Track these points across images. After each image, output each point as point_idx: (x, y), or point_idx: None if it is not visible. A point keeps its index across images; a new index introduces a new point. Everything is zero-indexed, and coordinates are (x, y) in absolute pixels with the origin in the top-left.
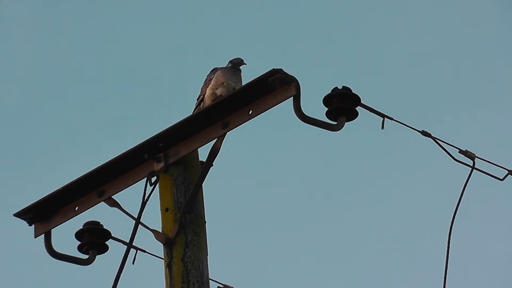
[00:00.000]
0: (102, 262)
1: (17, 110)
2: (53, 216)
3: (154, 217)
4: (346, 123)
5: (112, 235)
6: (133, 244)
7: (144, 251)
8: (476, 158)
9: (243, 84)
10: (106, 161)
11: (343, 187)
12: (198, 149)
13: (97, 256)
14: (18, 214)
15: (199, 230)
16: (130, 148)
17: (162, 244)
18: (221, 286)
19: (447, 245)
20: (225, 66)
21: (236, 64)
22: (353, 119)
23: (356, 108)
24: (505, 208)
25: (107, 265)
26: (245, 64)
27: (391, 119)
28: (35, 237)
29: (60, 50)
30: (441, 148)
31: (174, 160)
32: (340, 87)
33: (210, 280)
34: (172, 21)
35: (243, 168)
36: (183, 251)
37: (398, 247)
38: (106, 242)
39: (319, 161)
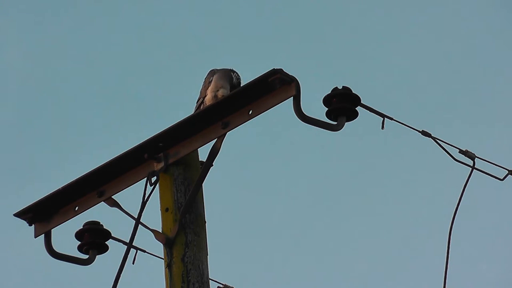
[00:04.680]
0: (102, 262)
1: (17, 109)
2: (53, 216)
3: (154, 217)
4: (346, 123)
5: (112, 235)
6: (133, 244)
7: (144, 251)
8: (476, 158)
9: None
10: (106, 161)
11: (343, 187)
12: (198, 149)
13: (97, 256)
14: (18, 214)
15: (199, 230)
16: (130, 148)
17: (162, 244)
18: (221, 286)
19: (447, 245)
20: (223, 68)
21: (235, 84)
22: (353, 119)
23: (356, 108)
24: (505, 208)
25: (107, 265)
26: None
27: (391, 119)
28: (35, 237)
29: (60, 41)
30: (441, 148)
31: (174, 160)
32: (340, 87)
33: (210, 280)
34: (171, 20)
35: (243, 168)
36: (183, 251)
37: (398, 247)
38: (106, 242)
39: (319, 161)
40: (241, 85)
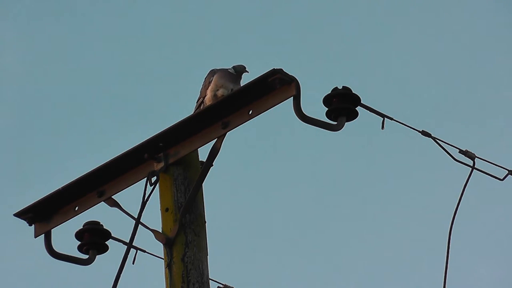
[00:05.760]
0: (102, 262)
1: (17, 110)
2: (53, 216)
3: (154, 217)
4: (346, 123)
5: (112, 235)
6: (133, 244)
7: (144, 251)
8: (476, 158)
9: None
10: (106, 161)
11: (343, 187)
12: (198, 149)
13: (97, 256)
14: (18, 214)
15: (199, 230)
16: (130, 148)
17: (162, 244)
18: (221, 286)
19: (447, 245)
20: (223, 68)
21: (238, 72)
22: (353, 119)
23: (356, 108)
24: (505, 208)
25: (107, 265)
26: (247, 72)
27: (391, 119)
28: (35, 237)
29: (59, 42)
30: (441, 148)
31: (174, 160)
32: (340, 87)
33: (210, 280)
34: (171, 20)
35: (243, 168)
36: (183, 251)
37: (398, 247)
38: (106, 242)
39: (319, 161)
40: (245, 72)
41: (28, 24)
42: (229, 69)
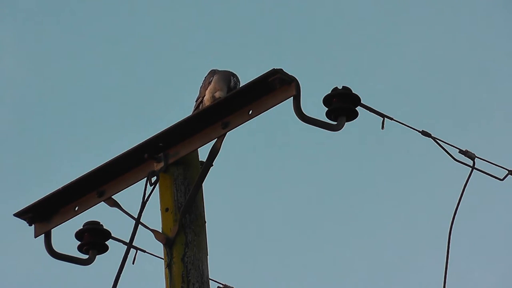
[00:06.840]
0: (102, 262)
1: (17, 109)
2: (53, 216)
3: (154, 217)
4: (346, 123)
5: (112, 235)
6: (133, 244)
7: (144, 251)
8: (476, 158)
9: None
10: (106, 161)
11: (343, 187)
12: (198, 149)
13: (97, 256)
14: (18, 214)
15: (199, 230)
16: (130, 148)
17: (162, 244)
18: (221, 286)
19: (447, 245)
20: (225, 70)
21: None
22: (353, 119)
23: (356, 108)
24: (505, 208)
25: (107, 265)
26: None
27: (391, 119)
28: (35, 237)
29: (58, 41)
30: (441, 148)
31: (174, 160)
32: (340, 87)
33: (210, 280)
34: (171, 20)
35: (243, 168)
36: (183, 251)
37: (398, 247)
38: (106, 242)
39: (319, 161)
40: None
41: (28, 25)
42: (233, 77)
